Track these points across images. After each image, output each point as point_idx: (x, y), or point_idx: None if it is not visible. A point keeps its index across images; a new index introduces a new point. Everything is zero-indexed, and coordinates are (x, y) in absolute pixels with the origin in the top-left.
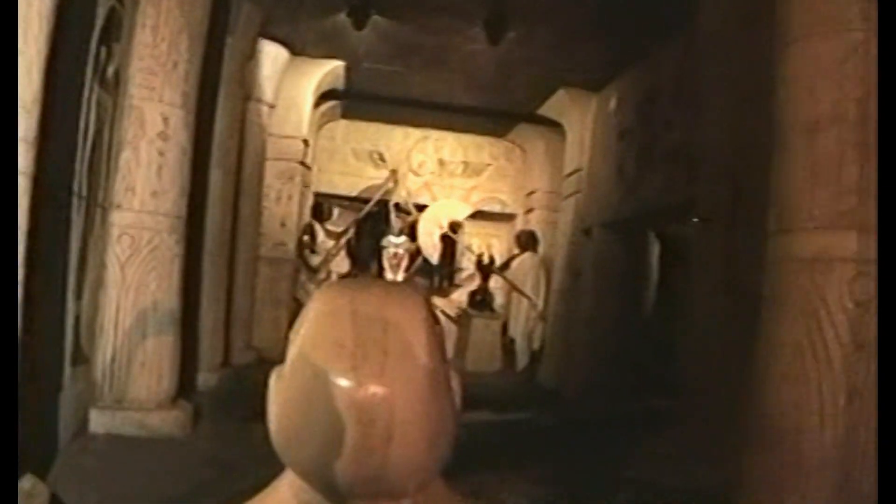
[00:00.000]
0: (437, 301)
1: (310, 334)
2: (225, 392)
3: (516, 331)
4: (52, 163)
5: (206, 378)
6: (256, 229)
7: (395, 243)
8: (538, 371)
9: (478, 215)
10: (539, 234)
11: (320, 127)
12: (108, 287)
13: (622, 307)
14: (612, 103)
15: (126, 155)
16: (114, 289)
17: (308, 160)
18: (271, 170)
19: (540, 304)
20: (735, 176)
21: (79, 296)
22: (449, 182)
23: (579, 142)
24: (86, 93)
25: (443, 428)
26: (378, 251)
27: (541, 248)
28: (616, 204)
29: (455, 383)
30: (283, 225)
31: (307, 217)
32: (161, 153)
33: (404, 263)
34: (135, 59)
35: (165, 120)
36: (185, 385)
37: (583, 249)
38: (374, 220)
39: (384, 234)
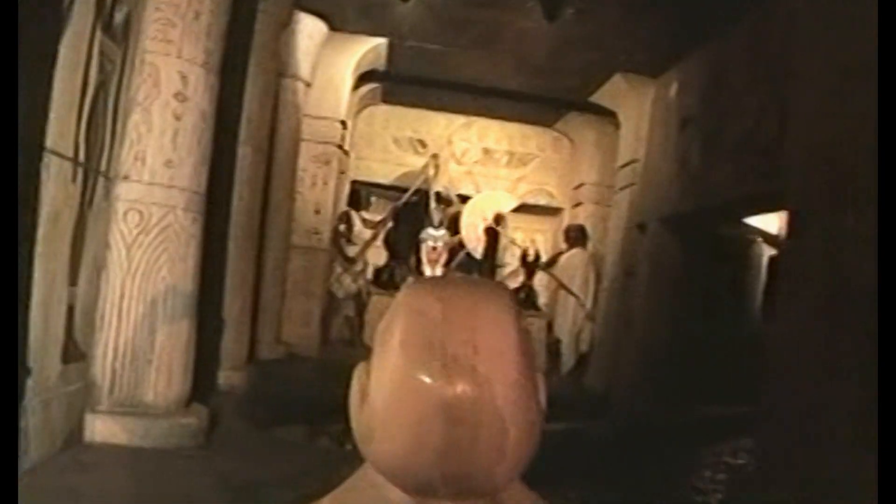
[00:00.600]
0: None
1: (398, 332)
2: (249, 392)
3: (562, 331)
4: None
5: (228, 376)
6: (289, 215)
7: (434, 236)
8: (585, 374)
9: (522, 209)
10: (588, 230)
11: (359, 111)
12: (111, 271)
13: (679, 308)
14: (674, 89)
15: (136, 118)
16: (117, 273)
17: (346, 145)
18: (306, 153)
19: (588, 303)
20: (836, 161)
21: (73, 281)
22: (493, 172)
23: (635, 131)
24: (85, 39)
25: (529, 428)
26: (417, 243)
27: (590, 244)
28: (676, 197)
29: (541, 383)
30: (317, 212)
31: (343, 205)
32: (177, 117)
33: (443, 258)
34: (149, 6)
35: (184, 79)
36: (202, 385)
37: (637, 246)
38: (413, 210)
39: (423, 225)
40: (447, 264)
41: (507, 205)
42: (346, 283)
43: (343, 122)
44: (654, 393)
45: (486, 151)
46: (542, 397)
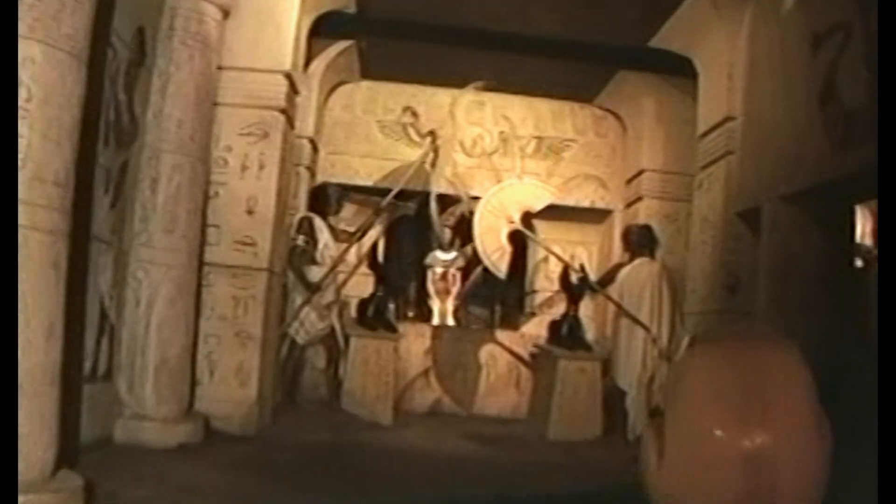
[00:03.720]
0: (502, 337)
1: (691, 390)
2: None
3: (625, 377)
4: None
5: None
6: (199, 216)
7: (441, 260)
8: None
9: (555, 214)
10: (657, 231)
11: (331, 90)
12: None
13: (826, 333)
14: None
15: None
16: None
17: (308, 128)
18: (232, 123)
19: (664, 335)
20: None
21: None
22: (515, 165)
23: (726, 76)
24: None
25: (820, 474)
26: (421, 270)
27: (659, 252)
28: (814, 159)
29: (826, 427)
30: (250, 212)
31: (298, 205)
32: None
33: (455, 288)
34: None
35: None
36: None
37: (741, 245)
38: (412, 223)
39: (428, 244)
40: (459, 295)
41: (540, 199)
42: (311, 322)
43: (289, 77)
44: None
45: (505, 138)
46: (827, 430)
